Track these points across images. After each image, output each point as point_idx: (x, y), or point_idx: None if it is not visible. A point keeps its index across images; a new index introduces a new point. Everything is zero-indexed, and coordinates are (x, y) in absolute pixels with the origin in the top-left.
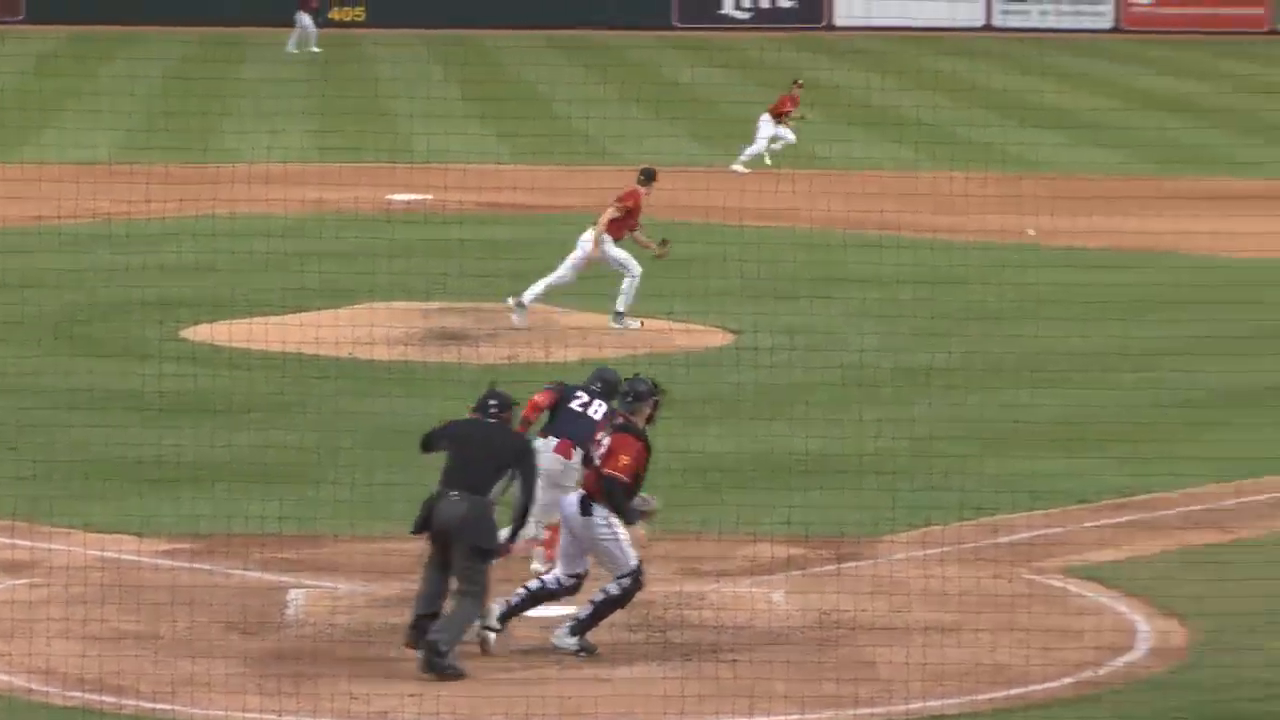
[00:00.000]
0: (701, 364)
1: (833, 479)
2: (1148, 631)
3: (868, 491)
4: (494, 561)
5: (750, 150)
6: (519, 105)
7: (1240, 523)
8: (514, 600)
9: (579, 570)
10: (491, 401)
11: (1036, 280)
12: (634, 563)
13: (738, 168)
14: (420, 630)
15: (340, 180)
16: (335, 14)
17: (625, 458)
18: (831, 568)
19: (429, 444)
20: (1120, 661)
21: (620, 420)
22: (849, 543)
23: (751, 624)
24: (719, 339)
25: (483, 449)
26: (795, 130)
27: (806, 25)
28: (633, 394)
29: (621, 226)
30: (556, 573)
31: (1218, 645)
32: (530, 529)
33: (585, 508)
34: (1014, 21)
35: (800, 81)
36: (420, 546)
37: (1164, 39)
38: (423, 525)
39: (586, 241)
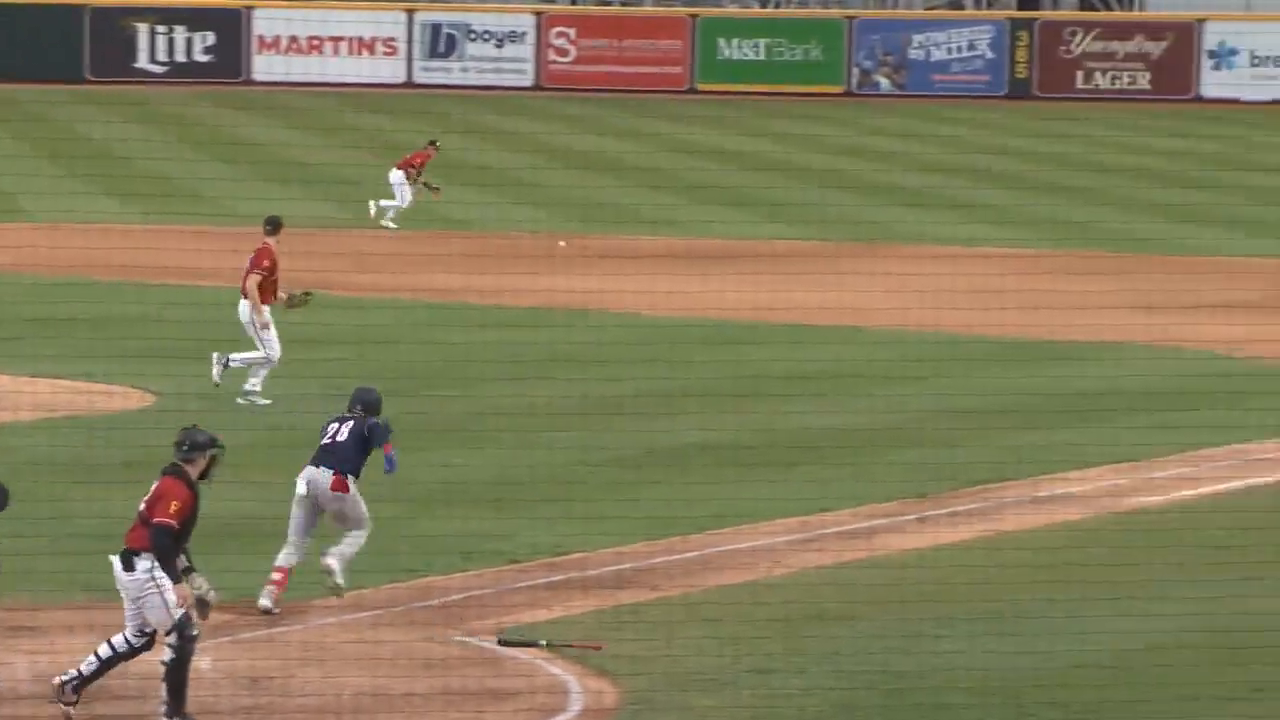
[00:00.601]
0: (121, 426)
1: (263, 543)
2: (580, 693)
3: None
4: None
5: (394, 205)
6: None
7: (670, 581)
8: (85, 669)
9: (147, 629)
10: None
11: (465, 339)
12: (178, 616)
13: (388, 224)
14: None
15: None
16: None
17: (175, 503)
18: (263, 633)
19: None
20: None
21: (173, 467)
22: (280, 606)
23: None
24: (139, 401)
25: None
26: (417, 195)
27: (224, 80)
28: (189, 443)
29: (269, 290)
30: (125, 633)
31: (650, 705)
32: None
33: (127, 563)
34: (436, 78)
35: (437, 142)
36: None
37: (585, 96)
38: None
39: (243, 313)
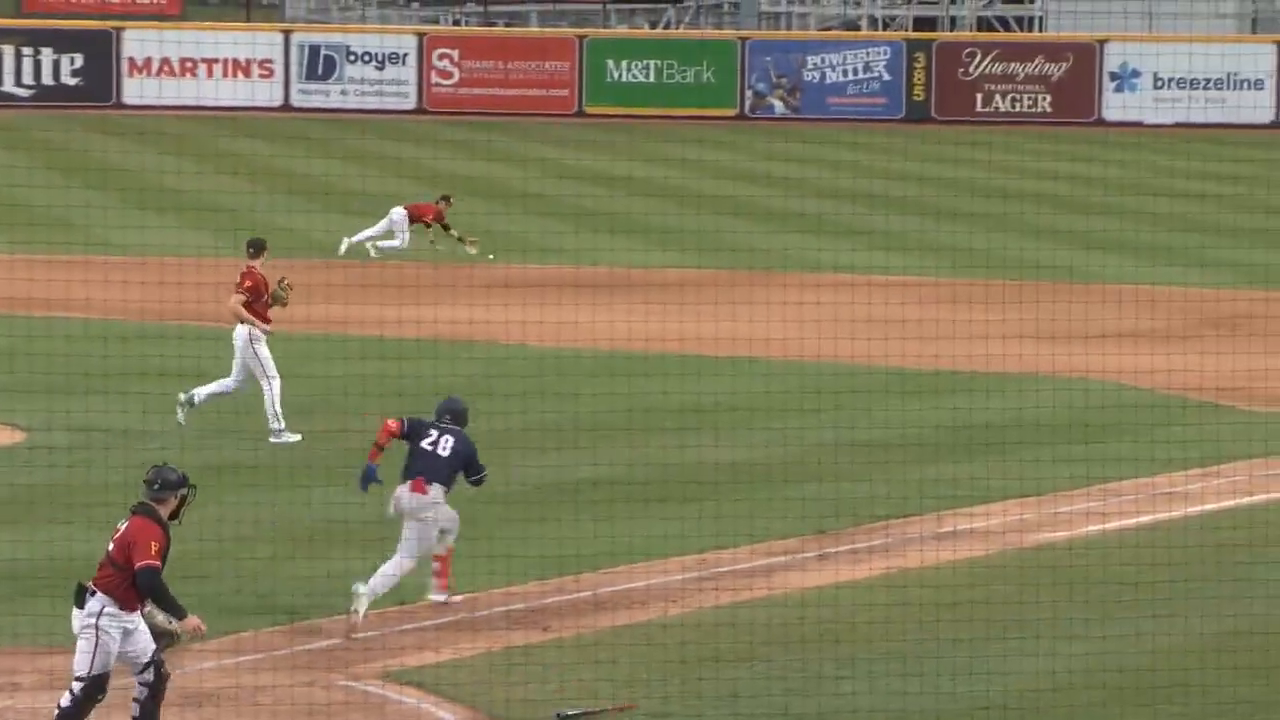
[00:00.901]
0: None
1: None
2: None
3: None
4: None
5: (392, 245)
6: None
7: (562, 621)
8: None
9: (144, 660)
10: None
11: (345, 372)
12: (98, 670)
13: (371, 251)
14: None
15: None
16: None
17: (155, 544)
18: (131, 679)
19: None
20: None
21: (140, 505)
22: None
23: None
24: (8, 437)
25: None
26: (434, 240)
27: (94, 104)
28: (160, 482)
29: (261, 314)
30: (135, 682)
31: None
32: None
33: (79, 599)
34: (314, 101)
35: (451, 198)
36: None
37: (470, 120)
38: None
39: (239, 336)
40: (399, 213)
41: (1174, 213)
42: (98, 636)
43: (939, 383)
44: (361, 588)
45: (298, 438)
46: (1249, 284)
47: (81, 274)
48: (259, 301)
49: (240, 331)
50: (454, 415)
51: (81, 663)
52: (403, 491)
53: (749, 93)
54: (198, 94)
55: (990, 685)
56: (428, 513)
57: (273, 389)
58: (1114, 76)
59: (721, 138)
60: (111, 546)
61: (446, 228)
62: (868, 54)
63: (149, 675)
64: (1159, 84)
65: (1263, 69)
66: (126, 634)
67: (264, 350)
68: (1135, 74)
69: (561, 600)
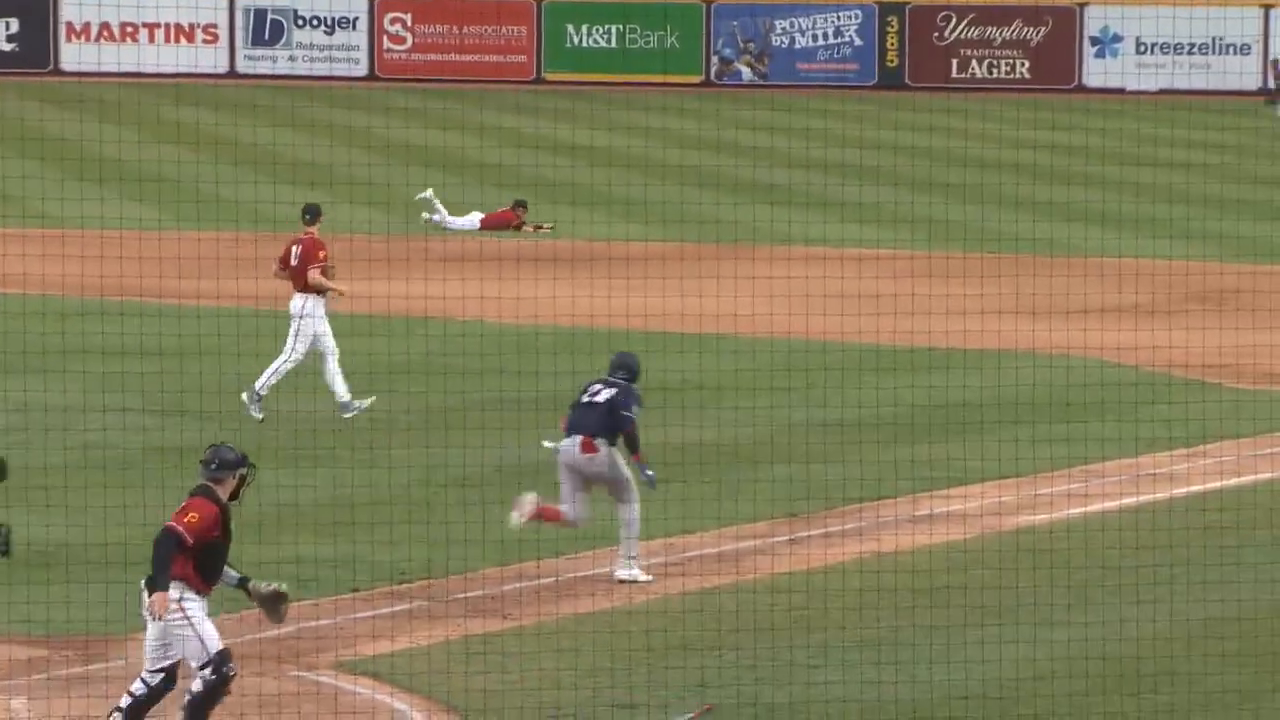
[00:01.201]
0: None
1: (77, 571)
2: None
3: (115, 585)
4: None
5: (452, 221)
6: None
7: (523, 609)
8: None
9: (165, 663)
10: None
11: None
12: (215, 648)
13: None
14: None
15: None
16: None
17: (194, 515)
18: (79, 670)
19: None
20: None
21: (201, 487)
22: (98, 642)
23: None
24: None
25: None
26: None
27: (30, 70)
28: (217, 461)
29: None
30: (141, 674)
31: None
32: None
33: (151, 585)
34: (261, 68)
35: (525, 203)
36: None
37: (424, 87)
38: None
39: (296, 307)
40: (476, 218)
41: (1158, 183)
42: (188, 619)
43: (915, 360)
44: (623, 573)
45: (371, 399)
46: (1236, 257)
47: (18, 248)
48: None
49: (298, 301)
50: (626, 370)
51: (193, 649)
52: (567, 446)
53: (715, 58)
54: (139, 60)
55: (969, 674)
56: (599, 467)
57: (291, 358)
58: (1095, 41)
59: (687, 105)
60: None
61: (520, 226)
62: (839, 18)
63: (210, 674)
64: (1141, 49)
65: (1249, 33)
66: (201, 620)
67: (324, 323)
68: (1117, 39)
69: (522, 586)
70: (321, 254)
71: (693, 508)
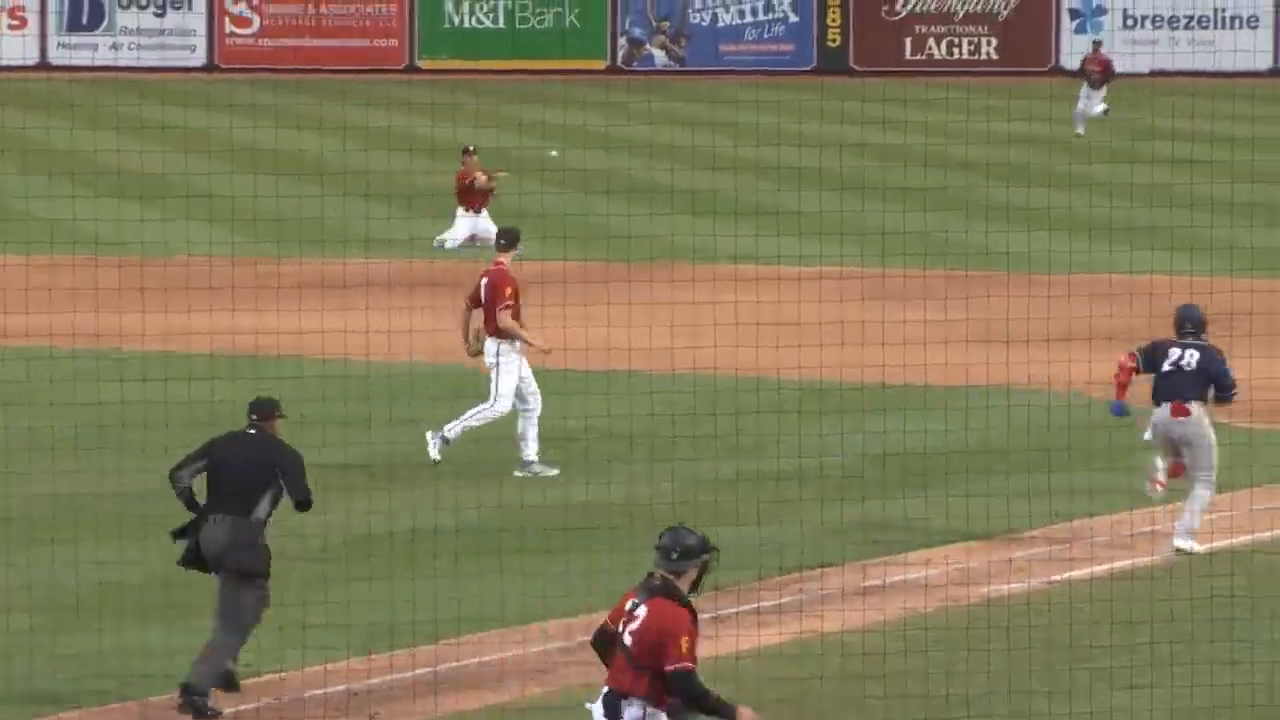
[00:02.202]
0: None
1: None
2: None
3: None
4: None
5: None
6: None
7: (393, 705)
8: None
9: None
10: (251, 414)
11: (123, 397)
12: None
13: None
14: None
15: None
16: None
17: (686, 639)
18: None
19: (180, 473)
20: None
21: (658, 582)
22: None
23: None
24: None
25: (242, 465)
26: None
27: None
28: (679, 549)
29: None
30: None
31: None
32: None
33: (612, 710)
34: (79, 58)
35: (471, 149)
36: None
37: (274, 79)
38: (190, 557)
39: (490, 353)
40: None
41: (1152, 183)
42: None
43: (864, 399)
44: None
45: (555, 471)
46: (1247, 271)
47: None
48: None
49: (491, 347)
50: (1195, 324)
51: None
52: (1161, 415)
53: (623, 40)
54: None
55: None
56: (1194, 431)
57: (498, 409)
58: (1074, 14)
59: (589, 96)
60: (629, 640)
61: (473, 184)
62: None
63: None
64: (1129, 22)
65: (1260, 3)
66: None
67: (526, 366)
68: (1100, 10)
69: (393, 680)
70: (509, 290)
71: (599, 581)
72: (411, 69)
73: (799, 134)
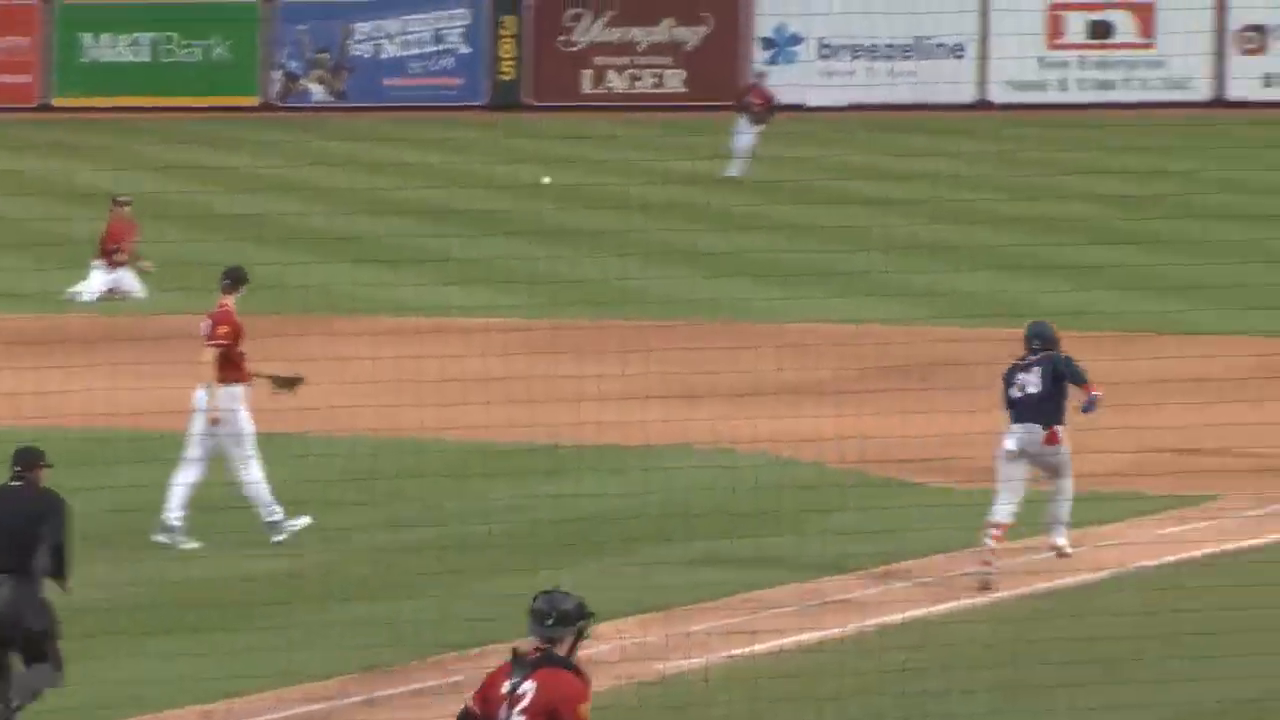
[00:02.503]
0: None
1: None
2: None
3: None
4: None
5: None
6: None
7: None
8: None
9: None
10: (15, 465)
11: None
12: None
13: None
14: None
15: None
16: None
17: (583, 705)
18: None
19: None
20: None
21: (534, 655)
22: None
23: None
24: None
25: (11, 519)
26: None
27: None
28: (555, 615)
29: (236, 366)
30: None
31: None
32: None
33: None
34: None
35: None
36: None
37: None
38: None
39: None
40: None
41: (848, 226)
42: None
43: (534, 461)
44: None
45: (306, 520)
46: (947, 318)
47: None
48: (233, 352)
49: (201, 397)
50: (1043, 340)
51: None
52: (1030, 439)
53: (277, 74)
54: None
55: None
56: (1063, 460)
57: (255, 468)
58: (768, 43)
59: (240, 135)
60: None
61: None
62: (437, 19)
63: None
64: (825, 52)
65: (965, 30)
66: None
67: (244, 417)
68: (795, 40)
69: None
70: (222, 329)
71: (248, 661)
72: (45, 108)
73: (469, 175)
